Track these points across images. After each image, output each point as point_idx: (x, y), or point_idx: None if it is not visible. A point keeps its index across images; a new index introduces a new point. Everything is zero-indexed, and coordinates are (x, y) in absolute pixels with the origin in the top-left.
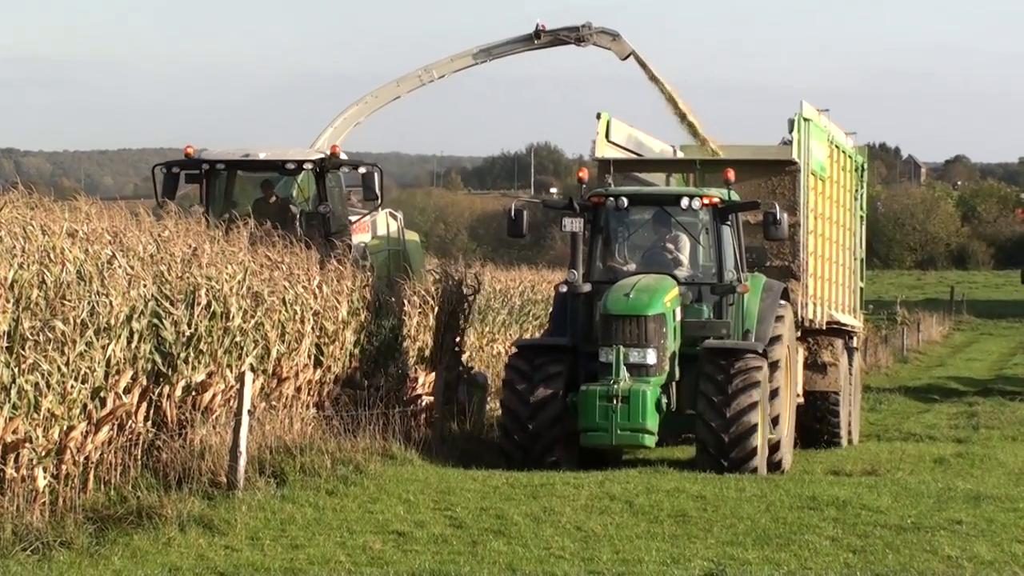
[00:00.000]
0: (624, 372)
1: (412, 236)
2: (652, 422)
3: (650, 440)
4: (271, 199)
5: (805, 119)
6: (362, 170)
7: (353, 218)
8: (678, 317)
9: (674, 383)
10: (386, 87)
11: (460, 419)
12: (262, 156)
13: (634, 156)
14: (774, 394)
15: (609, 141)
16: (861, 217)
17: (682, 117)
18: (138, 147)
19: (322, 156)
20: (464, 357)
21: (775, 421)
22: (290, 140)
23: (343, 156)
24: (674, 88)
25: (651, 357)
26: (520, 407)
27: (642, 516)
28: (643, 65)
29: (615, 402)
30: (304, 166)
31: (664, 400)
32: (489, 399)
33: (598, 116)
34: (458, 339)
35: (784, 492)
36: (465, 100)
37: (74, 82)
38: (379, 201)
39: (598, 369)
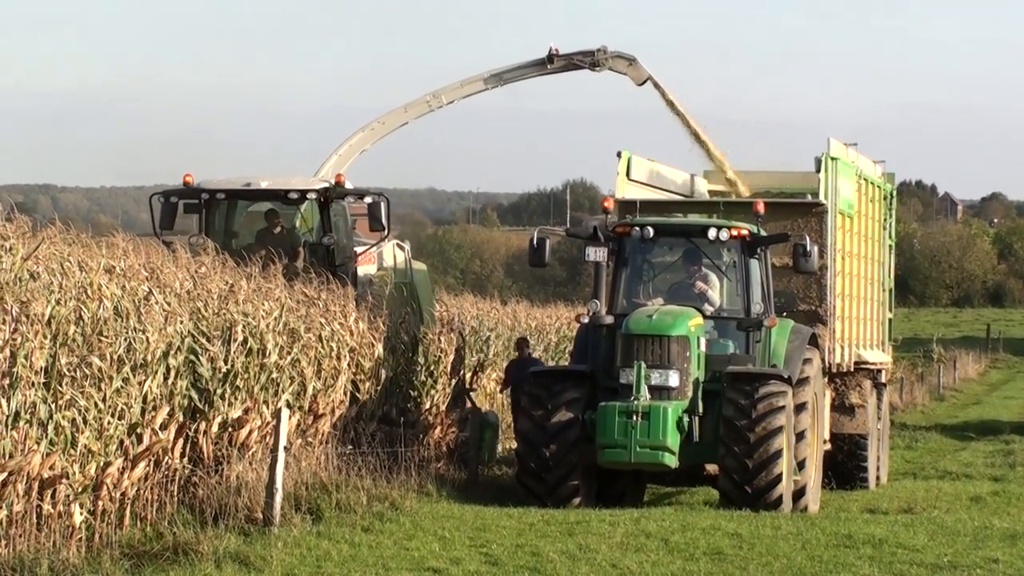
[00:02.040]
0: (645, 391)
1: (420, 267)
2: (673, 440)
3: (670, 459)
4: (276, 229)
5: (832, 158)
6: (368, 200)
7: (359, 249)
8: (702, 346)
9: (697, 416)
10: (393, 113)
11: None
12: (264, 185)
13: (657, 192)
14: (800, 432)
15: (630, 179)
16: (890, 247)
17: (700, 142)
18: (175, 183)
19: (326, 185)
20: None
21: (801, 465)
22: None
23: (348, 185)
24: (691, 114)
25: (673, 379)
26: (536, 433)
27: (678, 554)
28: (660, 91)
29: (635, 418)
30: (308, 196)
31: (686, 421)
32: (501, 438)
33: (619, 155)
34: (469, 378)
35: (820, 530)
36: (501, 136)
37: (110, 117)
38: (386, 232)
39: (619, 392)
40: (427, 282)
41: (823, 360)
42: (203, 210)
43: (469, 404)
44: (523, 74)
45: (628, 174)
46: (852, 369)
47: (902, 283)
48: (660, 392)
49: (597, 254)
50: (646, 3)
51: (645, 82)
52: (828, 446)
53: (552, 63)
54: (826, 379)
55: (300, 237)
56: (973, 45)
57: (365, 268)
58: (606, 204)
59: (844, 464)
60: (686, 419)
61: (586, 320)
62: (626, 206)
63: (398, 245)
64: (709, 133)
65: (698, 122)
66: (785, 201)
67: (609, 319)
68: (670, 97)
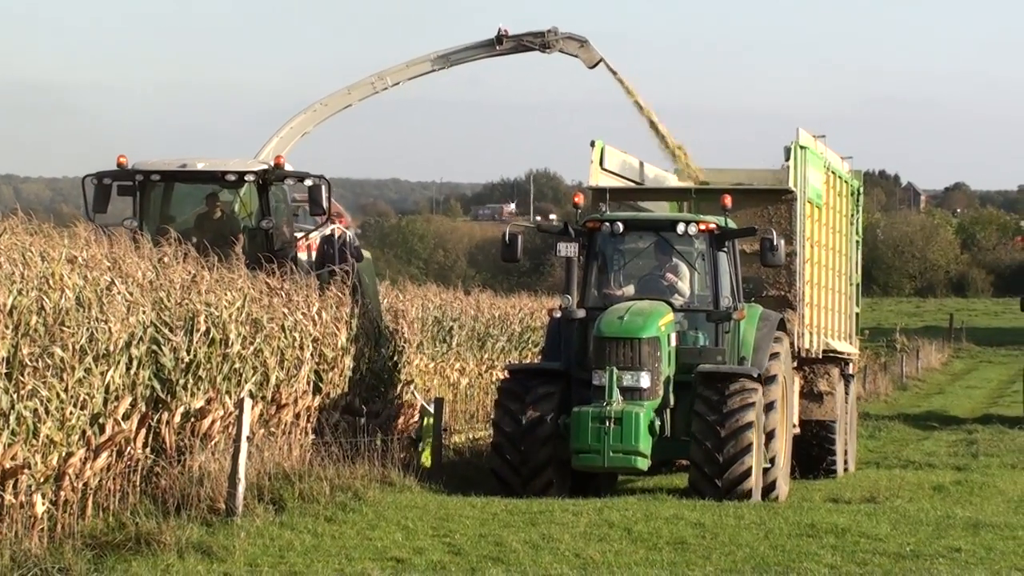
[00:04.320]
0: (617, 395)
1: (364, 253)
2: (645, 445)
3: (643, 463)
4: (216, 214)
5: (801, 147)
6: (308, 183)
7: (299, 234)
8: (673, 342)
9: (668, 410)
10: (336, 95)
11: (411, 451)
12: (200, 167)
13: (628, 183)
14: (770, 427)
15: (603, 169)
16: (857, 242)
17: (653, 126)
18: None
19: (265, 167)
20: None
21: (771, 451)
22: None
23: (288, 167)
24: (645, 98)
25: (645, 380)
26: (512, 428)
27: (641, 543)
28: (613, 73)
29: (608, 424)
30: (246, 178)
31: (657, 423)
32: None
33: (592, 144)
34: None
35: (783, 520)
36: (464, 126)
37: (71, 107)
38: (326, 216)
39: (591, 393)
40: (371, 269)
41: (792, 345)
42: (137, 192)
43: (413, 396)
44: (471, 55)
45: (602, 163)
46: (820, 357)
47: (865, 272)
48: (632, 393)
49: (568, 249)
50: None
51: (597, 64)
52: (797, 430)
53: (501, 44)
54: (795, 364)
55: (240, 222)
56: (937, 39)
57: (304, 254)
58: (576, 199)
59: (813, 450)
60: (657, 421)
61: (558, 315)
62: (599, 194)
63: (340, 232)
64: (665, 120)
65: (652, 107)
66: (755, 188)
67: (581, 313)
68: (623, 80)
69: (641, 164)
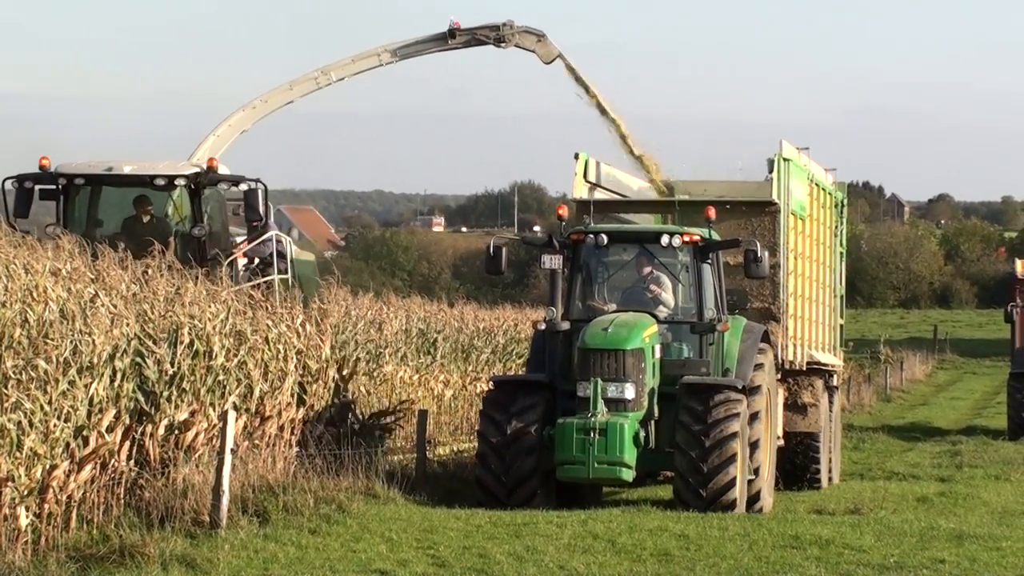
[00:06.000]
0: (602, 406)
1: (307, 257)
2: (630, 456)
3: (627, 474)
4: (145, 218)
5: (785, 159)
6: (243, 187)
7: (238, 239)
8: (657, 354)
9: (653, 421)
10: (277, 91)
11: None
12: (127, 170)
13: (613, 195)
14: (754, 438)
15: (587, 181)
16: (841, 254)
17: (612, 123)
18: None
19: (197, 170)
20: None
21: (755, 463)
22: (270, 172)
23: (222, 170)
24: (605, 98)
25: (629, 392)
26: (497, 439)
27: (625, 555)
28: (572, 71)
29: (592, 435)
30: (176, 182)
31: (642, 435)
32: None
33: (576, 156)
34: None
35: (767, 531)
36: (448, 137)
37: (48, 119)
38: (262, 221)
39: (576, 404)
40: (313, 274)
41: (776, 357)
42: (61, 196)
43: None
44: (422, 49)
45: (585, 175)
46: (804, 368)
47: (849, 284)
48: (616, 404)
49: (553, 262)
50: (594, 4)
51: (555, 60)
52: (781, 442)
53: (454, 38)
54: (779, 376)
55: (171, 226)
56: (921, 49)
57: (242, 262)
58: (561, 211)
59: (797, 462)
60: (642, 432)
61: (543, 327)
62: (583, 206)
63: (278, 238)
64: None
65: (615, 109)
66: (739, 200)
67: (565, 325)
68: (582, 78)
69: (625, 176)
